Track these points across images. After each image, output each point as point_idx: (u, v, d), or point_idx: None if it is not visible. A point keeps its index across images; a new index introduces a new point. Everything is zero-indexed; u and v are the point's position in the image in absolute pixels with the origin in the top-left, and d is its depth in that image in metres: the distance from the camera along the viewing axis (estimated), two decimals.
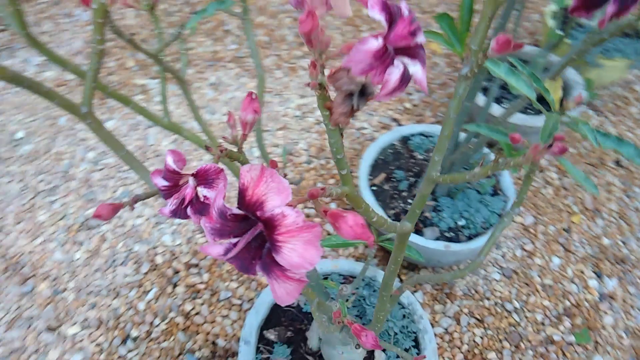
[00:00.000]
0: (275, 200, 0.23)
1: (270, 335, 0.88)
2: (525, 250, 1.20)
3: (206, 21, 1.76)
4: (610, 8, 0.24)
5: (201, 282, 1.11)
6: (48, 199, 1.26)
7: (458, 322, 1.08)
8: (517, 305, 1.11)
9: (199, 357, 1.00)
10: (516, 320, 1.08)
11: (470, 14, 0.76)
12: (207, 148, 0.34)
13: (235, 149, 0.36)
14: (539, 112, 1.31)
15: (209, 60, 1.63)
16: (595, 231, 1.25)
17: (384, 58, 0.21)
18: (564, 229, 1.25)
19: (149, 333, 1.03)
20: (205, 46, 1.69)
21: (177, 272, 1.13)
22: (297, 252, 0.23)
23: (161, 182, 0.31)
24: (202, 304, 1.08)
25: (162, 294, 1.09)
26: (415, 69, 0.23)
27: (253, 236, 0.26)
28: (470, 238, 1.03)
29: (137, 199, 0.36)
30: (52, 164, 1.33)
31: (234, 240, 0.26)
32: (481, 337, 1.06)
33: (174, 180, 0.32)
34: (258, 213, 0.24)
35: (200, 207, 0.31)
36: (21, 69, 1.57)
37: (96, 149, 1.37)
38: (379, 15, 0.21)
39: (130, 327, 1.04)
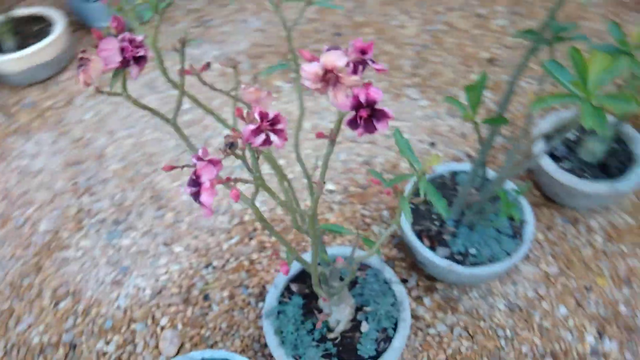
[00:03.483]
0: None
1: (294, 287, 1.22)
2: (537, 293, 1.35)
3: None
4: (359, 130, 0.53)
5: (268, 242, 1.49)
6: (189, 157, 1.75)
7: (452, 330, 1.30)
8: (508, 334, 1.28)
9: (249, 293, 1.39)
10: (502, 345, 1.26)
11: (481, 89, 0.99)
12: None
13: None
14: (591, 179, 1.42)
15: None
16: (616, 297, 1.34)
17: (255, 133, 0.54)
18: (585, 287, 1.36)
19: (223, 266, 1.45)
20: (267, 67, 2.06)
21: (255, 229, 1.52)
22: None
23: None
24: (264, 257, 1.46)
25: (240, 242, 1.50)
26: (273, 137, 0.54)
27: None
28: (474, 265, 1.24)
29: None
30: (200, 132, 1.82)
31: None
32: (466, 349, 1.27)
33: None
34: None
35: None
36: (201, 58, 2.11)
37: None
38: (257, 117, 0.54)
39: (213, 258, 1.47)
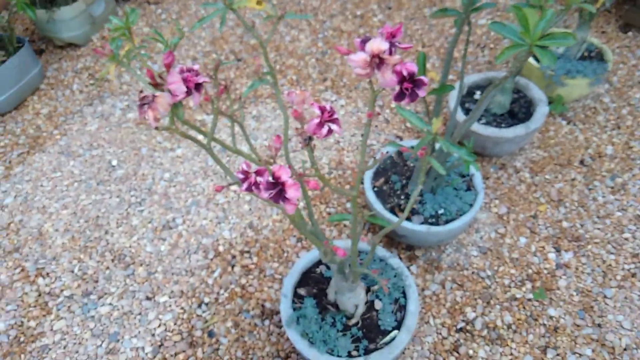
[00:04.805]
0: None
1: (302, 291, 1.27)
2: (498, 233, 1.54)
3: (247, 66, 2.21)
4: (404, 101, 0.62)
5: (252, 263, 1.52)
6: (138, 209, 1.70)
7: (443, 286, 1.43)
8: (489, 273, 1.45)
9: (252, 315, 1.40)
10: (488, 284, 1.43)
11: (424, 67, 1.14)
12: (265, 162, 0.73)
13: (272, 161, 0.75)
14: (508, 126, 1.65)
15: (251, 97, 2.06)
16: (558, 217, 1.58)
17: (319, 125, 0.61)
18: (531, 216, 1.58)
19: (216, 299, 1.44)
20: (248, 86, 2.13)
21: (234, 257, 1.54)
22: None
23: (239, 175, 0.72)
24: (253, 279, 1.48)
25: (224, 272, 1.50)
26: (334, 126, 0.62)
27: None
28: (447, 222, 1.39)
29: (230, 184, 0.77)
30: (139, 183, 1.78)
31: None
32: (461, 297, 1.41)
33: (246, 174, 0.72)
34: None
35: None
36: (110, 112, 2.05)
37: (170, 170, 1.81)
38: (317, 111, 0.61)
39: (203, 296, 1.46)
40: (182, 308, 1.43)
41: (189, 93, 0.57)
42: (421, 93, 0.63)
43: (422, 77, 0.62)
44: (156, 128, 0.62)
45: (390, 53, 0.62)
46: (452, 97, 1.71)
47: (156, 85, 0.58)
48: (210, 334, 1.38)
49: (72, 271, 1.55)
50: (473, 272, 1.46)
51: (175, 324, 1.40)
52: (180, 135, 0.67)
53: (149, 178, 1.80)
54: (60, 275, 1.54)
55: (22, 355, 1.37)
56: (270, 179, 0.62)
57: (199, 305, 1.44)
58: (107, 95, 2.15)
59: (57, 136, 1.99)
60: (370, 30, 2.39)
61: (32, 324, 1.43)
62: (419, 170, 1.43)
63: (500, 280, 1.43)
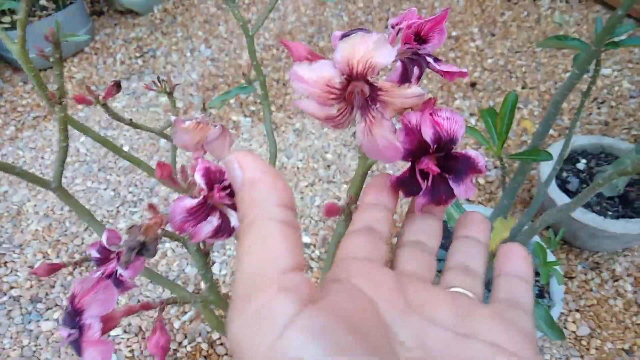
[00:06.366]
0: None
1: None
2: None
3: None
4: (420, 199, 0.26)
5: None
6: (131, 209, 1.43)
7: None
8: None
9: None
10: None
11: (513, 114, 0.75)
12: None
13: None
14: (617, 216, 1.20)
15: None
16: None
17: (199, 213, 0.25)
18: (624, 350, 1.12)
19: (175, 352, 1.12)
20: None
21: None
22: None
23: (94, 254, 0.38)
24: None
25: (197, 317, 1.18)
26: (236, 221, 0.27)
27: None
28: None
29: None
30: (143, 180, 1.51)
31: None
32: None
33: (106, 253, 0.38)
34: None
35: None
36: (143, 92, 1.81)
37: None
38: (200, 180, 0.26)
39: None
40: (130, 351, 1.13)
41: None
42: (463, 191, 0.26)
43: (471, 153, 0.25)
44: None
45: (406, 77, 0.26)
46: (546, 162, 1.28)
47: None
48: None
49: (32, 267, 1.29)
50: None
51: None
52: None
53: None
54: (17, 269, 1.29)
55: None
56: (70, 307, 0.28)
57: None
58: (148, 71, 1.92)
59: (80, 106, 1.77)
60: (463, 56, 1.99)
61: None
62: None
63: None
